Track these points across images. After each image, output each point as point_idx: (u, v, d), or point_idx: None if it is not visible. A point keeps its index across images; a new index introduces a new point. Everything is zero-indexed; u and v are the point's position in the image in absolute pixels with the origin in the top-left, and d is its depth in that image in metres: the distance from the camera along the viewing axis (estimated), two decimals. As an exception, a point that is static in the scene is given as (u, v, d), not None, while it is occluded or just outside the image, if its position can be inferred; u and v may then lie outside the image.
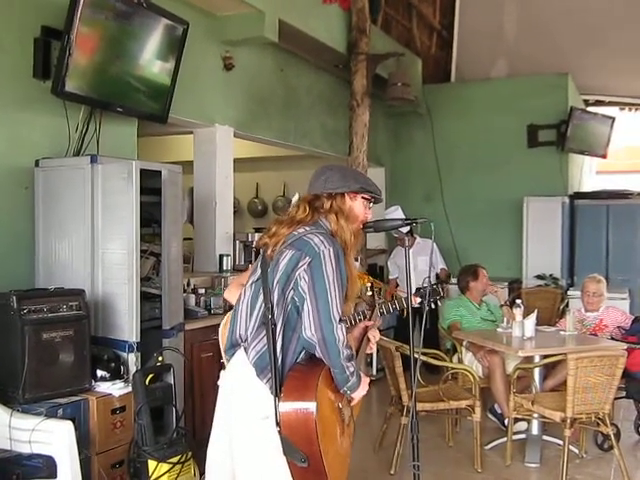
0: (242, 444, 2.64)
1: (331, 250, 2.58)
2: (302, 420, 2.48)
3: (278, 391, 2.53)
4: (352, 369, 2.59)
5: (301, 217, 2.73)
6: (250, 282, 2.75)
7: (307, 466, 2.49)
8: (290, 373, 2.58)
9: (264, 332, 2.61)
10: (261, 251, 2.77)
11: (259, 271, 2.71)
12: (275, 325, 2.59)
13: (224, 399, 2.76)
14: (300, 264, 2.59)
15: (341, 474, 2.70)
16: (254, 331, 2.66)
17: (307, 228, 2.67)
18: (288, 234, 2.68)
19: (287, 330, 2.61)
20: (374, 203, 2.88)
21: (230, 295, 3.10)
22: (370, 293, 3.22)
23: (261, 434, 2.57)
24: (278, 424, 2.51)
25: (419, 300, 3.47)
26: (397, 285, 8.06)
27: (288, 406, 2.51)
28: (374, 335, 3.01)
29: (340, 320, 2.55)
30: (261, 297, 2.66)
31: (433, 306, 3.68)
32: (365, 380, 2.72)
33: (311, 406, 2.48)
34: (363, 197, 2.80)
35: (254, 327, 2.66)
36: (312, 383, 2.52)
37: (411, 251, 7.12)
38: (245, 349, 2.66)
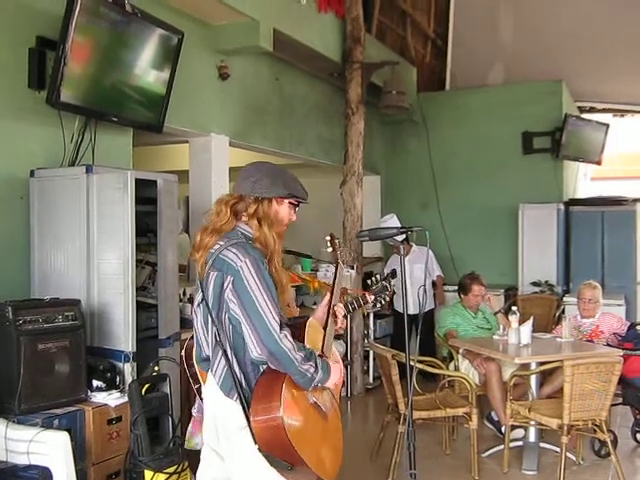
0: (228, 457, 2.65)
1: (247, 261, 2.52)
2: (274, 434, 2.46)
3: (247, 410, 2.52)
4: (312, 369, 2.54)
5: (221, 224, 2.67)
6: (197, 303, 2.71)
7: (293, 471, 2.50)
8: (255, 388, 2.55)
9: (221, 352, 2.59)
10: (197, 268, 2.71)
11: (200, 292, 2.67)
12: (222, 347, 2.57)
13: (206, 414, 2.77)
14: (225, 285, 2.54)
15: (334, 461, 2.70)
16: (212, 352, 2.64)
17: (222, 242, 2.61)
18: (211, 245, 2.64)
19: (238, 352, 2.57)
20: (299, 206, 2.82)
21: None
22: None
23: (241, 444, 2.56)
24: (256, 442, 2.49)
25: (373, 297, 3.41)
26: (394, 292, 8.06)
27: (258, 423, 2.49)
28: (339, 311, 2.95)
29: (281, 327, 2.49)
30: (209, 318, 2.63)
31: (382, 303, 3.60)
32: (335, 367, 2.69)
33: (277, 419, 2.45)
34: (290, 202, 2.76)
35: (212, 347, 2.64)
36: (275, 396, 2.48)
37: (407, 259, 7.14)
38: (211, 369, 2.66)
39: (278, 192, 2.70)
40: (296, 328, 2.71)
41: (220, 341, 2.58)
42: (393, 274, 3.32)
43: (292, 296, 6.67)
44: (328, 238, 3.14)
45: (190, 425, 3.88)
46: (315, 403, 2.66)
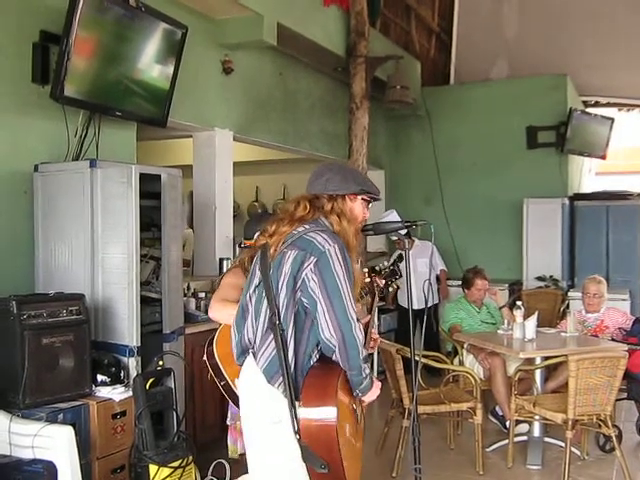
0: (255, 449, 2.60)
1: (336, 247, 2.51)
2: (323, 428, 2.43)
3: (293, 397, 2.46)
4: (368, 370, 2.55)
5: (301, 214, 2.66)
6: (253, 287, 2.66)
7: (327, 472, 2.44)
8: (307, 379, 2.51)
9: (272, 337, 2.53)
10: (258, 253, 2.69)
11: (258, 274, 2.63)
12: (283, 330, 2.50)
13: (241, 406, 2.71)
14: (306, 264, 2.50)
15: (356, 475, 2.68)
16: (262, 336, 2.58)
17: (307, 226, 2.60)
18: (288, 233, 2.62)
19: (297, 333, 2.53)
20: (372, 202, 2.84)
21: (216, 313, 3.04)
22: (368, 279, 3.15)
23: (273, 439, 2.52)
24: (297, 432, 2.44)
25: (383, 282, 3.38)
26: (398, 287, 8.06)
27: (308, 413, 2.45)
28: (374, 333, 2.96)
29: (357, 319, 2.49)
30: (265, 301, 2.57)
31: (393, 287, 3.56)
32: (377, 384, 2.69)
33: (332, 413, 2.42)
34: (363, 198, 2.77)
35: (262, 332, 2.58)
36: (331, 389, 2.45)
37: (410, 253, 7.11)
38: (254, 354, 2.60)
39: (350, 188, 2.72)
40: None
41: (275, 324, 2.51)
42: (400, 258, 3.28)
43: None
44: (366, 270, 3.13)
45: (228, 435, 3.87)
46: (354, 410, 2.66)
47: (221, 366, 2.98)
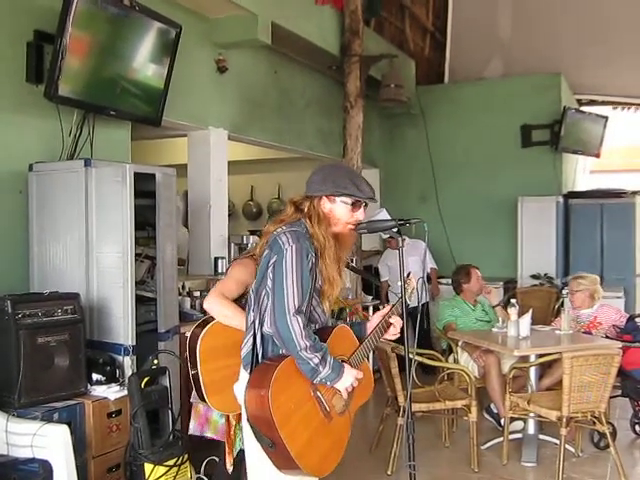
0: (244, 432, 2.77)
1: (294, 247, 2.60)
2: (259, 406, 2.54)
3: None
4: (317, 360, 2.57)
5: (284, 216, 2.80)
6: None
7: (274, 450, 2.55)
8: (261, 364, 2.67)
9: (252, 330, 2.72)
10: None
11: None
12: (254, 322, 2.70)
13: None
14: (270, 263, 2.65)
15: (322, 460, 2.70)
16: (246, 328, 2.77)
17: (284, 227, 2.71)
18: (271, 233, 2.74)
19: (263, 326, 2.69)
20: (362, 205, 2.82)
21: (212, 307, 3.23)
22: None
23: (246, 424, 2.70)
24: (246, 411, 2.63)
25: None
26: (389, 286, 8.08)
27: (249, 393, 2.60)
28: (397, 321, 2.96)
29: (298, 312, 2.56)
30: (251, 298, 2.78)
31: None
32: (350, 372, 2.70)
33: (264, 393, 2.52)
34: (343, 200, 2.77)
35: (247, 324, 2.77)
36: (271, 372, 2.56)
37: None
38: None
39: (324, 190, 2.76)
40: (325, 332, 2.76)
41: (252, 319, 2.71)
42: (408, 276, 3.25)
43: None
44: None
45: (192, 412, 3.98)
46: (318, 398, 2.67)
47: (199, 358, 3.09)
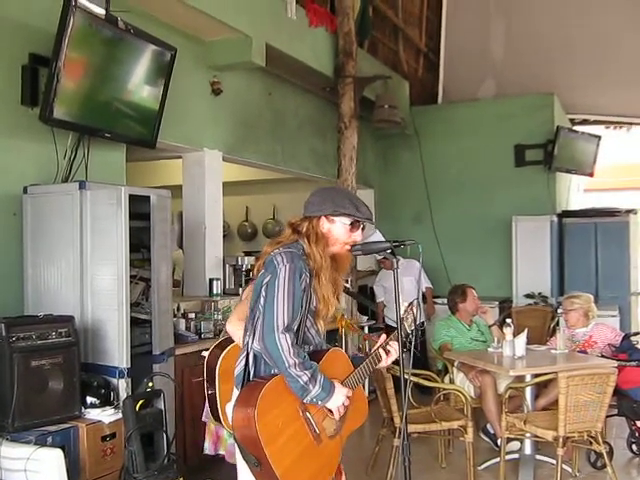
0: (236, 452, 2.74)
1: (287, 267, 2.62)
2: (246, 423, 2.53)
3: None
4: (306, 378, 2.56)
5: (281, 239, 2.81)
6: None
7: (260, 470, 2.53)
8: (251, 383, 2.66)
9: (246, 349, 2.74)
10: None
11: None
12: (247, 342, 2.71)
13: None
14: (264, 282, 2.67)
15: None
16: (242, 347, 2.78)
17: (281, 248, 2.73)
18: (268, 254, 2.75)
19: (253, 344, 2.70)
20: (360, 226, 2.85)
21: (233, 330, 3.19)
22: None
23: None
24: (233, 429, 2.62)
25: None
26: (385, 307, 8.07)
27: (236, 411, 2.60)
28: (394, 347, 2.95)
29: (287, 330, 2.56)
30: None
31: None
32: (340, 391, 2.68)
33: (251, 411, 2.51)
34: (342, 220, 2.80)
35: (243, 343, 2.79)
36: (258, 389, 2.55)
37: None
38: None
39: (323, 210, 2.79)
40: (318, 354, 2.75)
41: (247, 340, 2.72)
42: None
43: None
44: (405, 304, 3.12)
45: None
46: (307, 419, 2.65)
47: (218, 379, 3.07)
